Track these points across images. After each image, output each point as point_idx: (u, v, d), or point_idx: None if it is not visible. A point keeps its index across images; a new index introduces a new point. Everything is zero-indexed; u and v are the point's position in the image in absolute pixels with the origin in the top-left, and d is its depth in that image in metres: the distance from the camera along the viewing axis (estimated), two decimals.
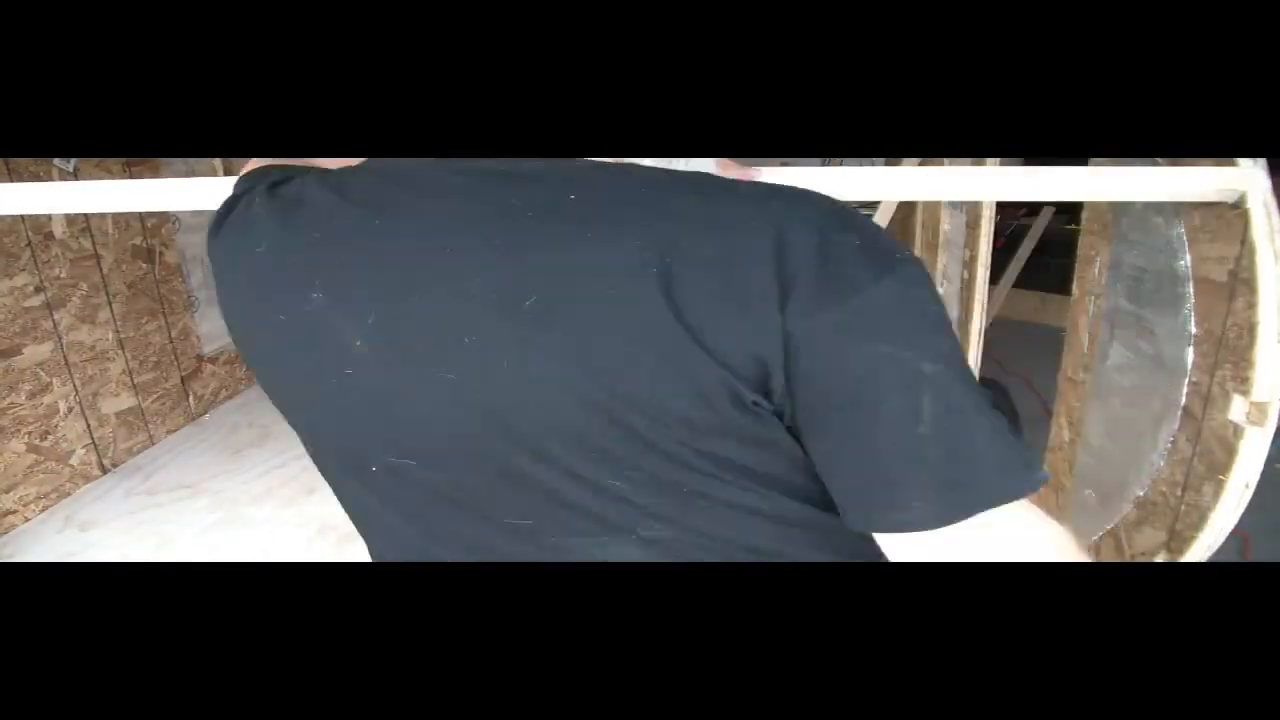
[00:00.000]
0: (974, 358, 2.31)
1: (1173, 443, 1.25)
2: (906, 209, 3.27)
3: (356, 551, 1.78)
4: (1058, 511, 1.66)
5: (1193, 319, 1.19)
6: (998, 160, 1.74)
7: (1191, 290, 1.19)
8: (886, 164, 2.99)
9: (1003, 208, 2.23)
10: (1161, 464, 1.27)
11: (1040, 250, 4.51)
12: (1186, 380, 1.21)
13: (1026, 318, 4.70)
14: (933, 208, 2.91)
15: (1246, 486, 1.10)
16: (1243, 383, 1.09)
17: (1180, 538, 1.22)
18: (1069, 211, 4.66)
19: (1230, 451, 1.11)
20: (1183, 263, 1.20)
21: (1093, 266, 1.50)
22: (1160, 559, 1.26)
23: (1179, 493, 1.23)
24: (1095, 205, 1.49)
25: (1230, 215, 1.09)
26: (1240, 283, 1.08)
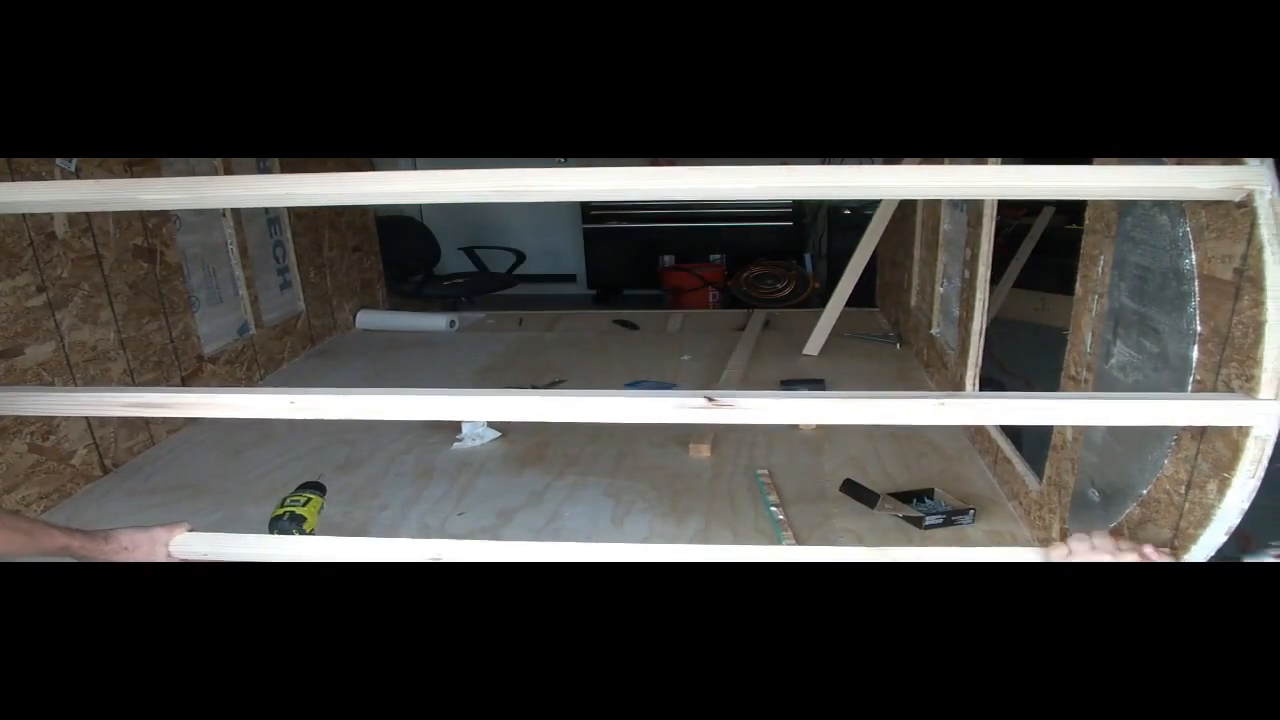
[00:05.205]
0: (974, 357, 2.32)
1: (1176, 440, 1.25)
2: (907, 208, 3.28)
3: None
4: (1060, 510, 1.66)
5: (1198, 317, 1.19)
6: (999, 160, 1.74)
7: (1197, 288, 1.19)
8: (885, 163, 2.99)
9: (1003, 207, 2.23)
10: (1166, 462, 1.27)
11: (1040, 250, 4.51)
12: (1191, 378, 1.21)
13: (1026, 318, 4.70)
14: (933, 206, 2.92)
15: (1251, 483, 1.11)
16: (1248, 380, 1.09)
17: (1185, 535, 1.22)
18: (1069, 211, 4.66)
19: (1235, 449, 1.11)
20: (1188, 261, 1.20)
21: (1096, 265, 1.50)
22: (1164, 557, 1.26)
23: (1183, 490, 1.23)
24: (1099, 204, 1.49)
25: (1237, 214, 1.09)
26: (1246, 281, 1.08)
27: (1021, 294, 4.64)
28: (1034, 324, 4.63)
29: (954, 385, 2.51)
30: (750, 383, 2.99)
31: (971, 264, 2.30)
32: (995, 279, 2.30)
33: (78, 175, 2.18)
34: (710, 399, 1.17)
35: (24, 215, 2.00)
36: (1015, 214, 4.71)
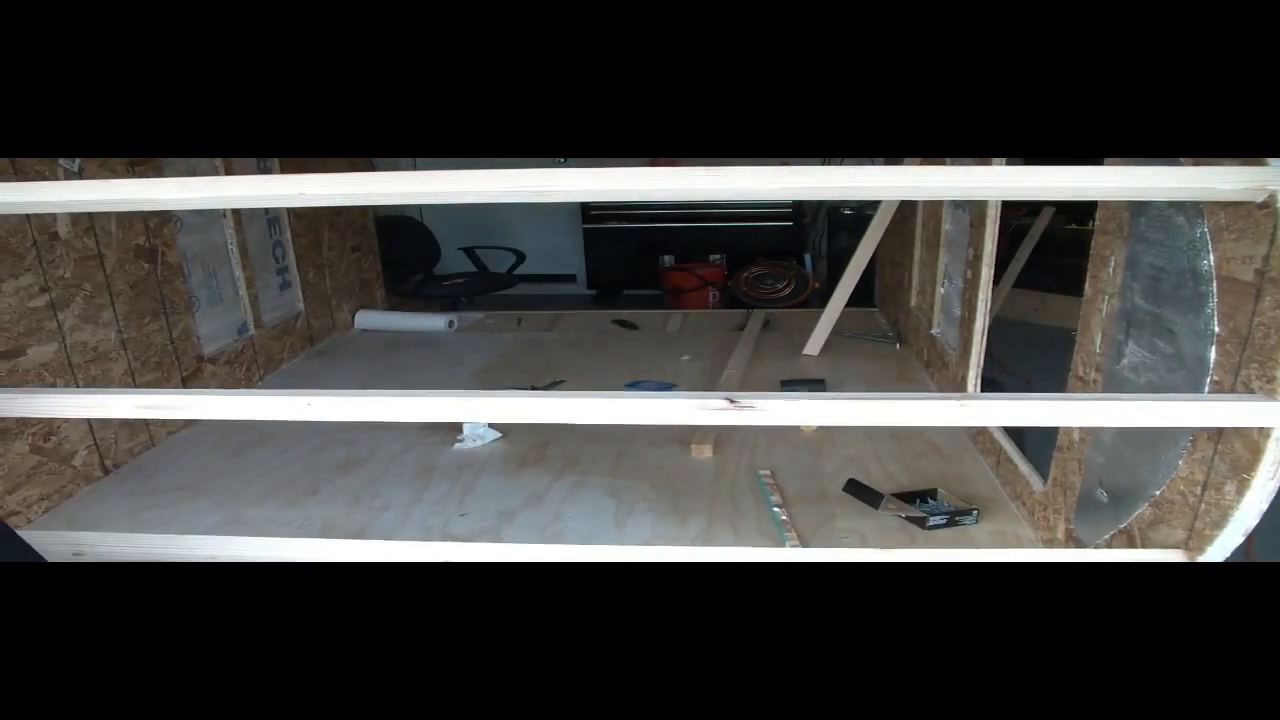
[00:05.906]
0: (976, 357, 2.31)
1: (1192, 441, 1.24)
2: (907, 208, 3.27)
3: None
4: (1065, 510, 1.66)
5: (1216, 318, 1.18)
6: (1003, 160, 1.73)
7: (1215, 289, 1.18)
8: (886, 163, 2.98)
9: (1003, 207, 2.23)
10: (1180, 463, 1.26)
11: (1039, 250, 4.51)
12: (1208, 379, 1.21)
13: (1026, 318, 4.71)
14: (934, 207, 2.91)
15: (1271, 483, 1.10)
16: (1269, 381, 1.08)
17: (1200, 536, 1.21)
18: (1069, 211, 4.66)
19: (1256, 451, 1.10)
20: (1206, 262, 1.19)
21: (1107, 266, 1.49)
22: (1178, 557, 1.25)
23: (1199, 491, 1.22)
24: (1110, 205, 1.48)
25: (1258, 214, 1.09)
26: (1268, 282, 1.07)
27: (1021, 294, 4.65)
28: (1033, 324, 4.64)
29: (955, 385, 2.50)
30: (750, 383, 2.98)
31: (974, 264, 2.29)
32: (995, 279, 2.30)
33: (80, 175, 2.17)
34: (731, 400, 1.16)
35: (27, 215, 1.98)
36: (1015, 214, 4.71)
